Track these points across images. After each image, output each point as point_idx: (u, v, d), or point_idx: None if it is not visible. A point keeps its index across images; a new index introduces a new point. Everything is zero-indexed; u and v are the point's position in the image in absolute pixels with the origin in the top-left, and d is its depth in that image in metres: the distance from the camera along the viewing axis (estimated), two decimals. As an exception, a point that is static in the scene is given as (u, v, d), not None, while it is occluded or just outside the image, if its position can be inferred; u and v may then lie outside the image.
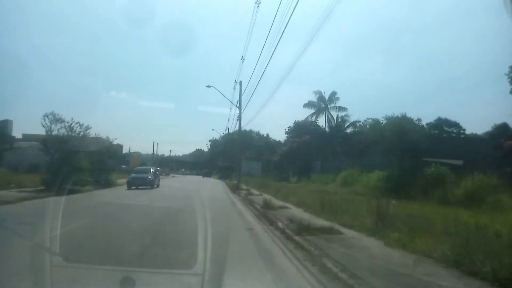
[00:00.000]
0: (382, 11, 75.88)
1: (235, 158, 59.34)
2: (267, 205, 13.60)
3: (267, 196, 19.23)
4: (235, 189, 26.55)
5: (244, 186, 28.82)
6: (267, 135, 63.08)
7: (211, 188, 28.18)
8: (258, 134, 63.38)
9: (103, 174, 25.94)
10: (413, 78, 69.30)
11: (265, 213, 12.09)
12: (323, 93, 47.02)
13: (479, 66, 61.71)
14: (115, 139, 27.61)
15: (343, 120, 45.07)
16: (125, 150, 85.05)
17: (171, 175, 71.03)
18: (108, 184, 26.23)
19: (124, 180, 32.64)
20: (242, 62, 26.19)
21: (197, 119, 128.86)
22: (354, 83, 74.92)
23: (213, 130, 61.29)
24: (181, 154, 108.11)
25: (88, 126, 22.12)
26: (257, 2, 17.70)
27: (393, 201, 17.98)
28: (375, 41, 79.07)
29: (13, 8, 71.56)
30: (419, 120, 44.24)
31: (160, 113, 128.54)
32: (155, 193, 22.10)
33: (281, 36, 20.10)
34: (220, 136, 65.92)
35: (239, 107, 29.71)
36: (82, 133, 21.65)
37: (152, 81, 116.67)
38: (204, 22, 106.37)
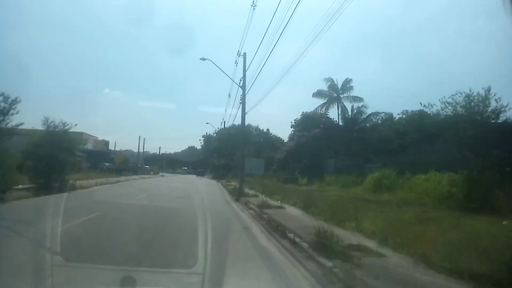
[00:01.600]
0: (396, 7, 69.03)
1: (232, 155, 51.79)
2: (324, 243, 6.16)
3: (298, 212, 11.79)
4: (238, 195, 19.07)
5: (249, 190, 21.33)
6: (267, 130, 55.67)
7: (205, 193, 20.46)
8: (257, 129, 55.85)
9: (54, 174, 18.19)
10: (417, 76, 62.62)
11: (350, 279, 4.61)
12: (335, 81, 39.71)
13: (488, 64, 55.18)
14: (75, 125, 19.72)
15: (360, 112, 37.77)
16: (114, 147, 77.87)
17: (160, 174, 63.12)
18: (63, 187, 18.39)
19: (94, 182, 25.04)
20: (253, 9, 18.44)
21: (191, 117, 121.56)
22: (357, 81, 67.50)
23: (207, 123, 53.97)
24: (172, 151, 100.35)
25: (17, 98, 14.28)
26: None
27: (504, 222, 10.81)
28: (385, 37, 72.18)
29: (10, 6, 64.98)
30: (438, 115, 37.41)
31: (154, 111, 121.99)
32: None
33: (286, 24, 13.62)
34: (215, 131, 58.24)
35: (243, 86, 22.18)
36: (7, 110, 13.82)
37: (147, 79, 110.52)
38: (200, 20, 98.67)
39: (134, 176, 42.00)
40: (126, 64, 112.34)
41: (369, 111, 37.53)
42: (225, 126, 51.20)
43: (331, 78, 39.69)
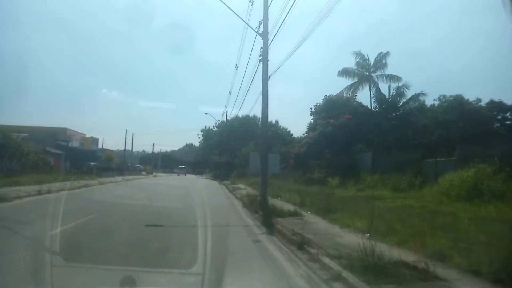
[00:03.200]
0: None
1: (235, 151, 43.07)
2: None
3: None
4: (262, 211, 10.19)
5: (276, 200, 12.53)
6: (276, 122, 46.71)
7: (206, 207, 11.20)
8: (264, 121, 47.11)
9: None
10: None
11: None
12: (366, 56, 30.99)
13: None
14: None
15: (399, 94, 29.01)
16: (102, 145, 68.95)
17: (153, 174, 54.20)
18: None
19: (39, 188, 16.35)
20: None
21: (189, 116, 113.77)
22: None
23: (206, 114, 43.70)
24: (169, 150, 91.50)
25: None
26: None
27: None
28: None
29: (7, 6, 61.58)
30: (478, 100, 29.12)
31: (152, 110, 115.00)
32: None
33: None
34: (215, 124, 49.31)
35: (264, 33, 13.29)
36: None
37: (144, 79, 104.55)
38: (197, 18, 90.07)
39: (117, 178, 33.10)
40: (122, 64, 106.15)
41: (409, 93, 28.91)
42: (227, 118, 42.40)
43: (361, 53, 31.02)
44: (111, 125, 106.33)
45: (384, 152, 27.39)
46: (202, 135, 53.78)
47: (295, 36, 19.60)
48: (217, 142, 46.22)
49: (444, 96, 29.08)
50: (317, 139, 28.51)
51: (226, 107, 40.44)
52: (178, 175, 55.17)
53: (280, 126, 46.91)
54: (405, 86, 29.01)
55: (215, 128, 50.30)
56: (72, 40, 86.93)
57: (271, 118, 47.23)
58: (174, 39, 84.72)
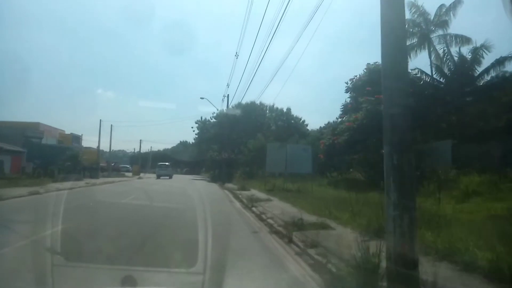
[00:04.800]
0: None
1: (239, 145, 33.94)
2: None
3: None
4: None
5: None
6: (289, 110, 37.55)
7: None
8: (273, 109, 37.86)
9: None
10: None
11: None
12: (423, 9, 22.10)
13: None
14: None
15: (476, 59, 20.13)
16: (80, 142, 59.65)
17: (139, 175, 44.92)
18: None
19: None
20: None
21: (184, 113, 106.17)
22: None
23: (202, 98, 33.22)
24: (162, 148, 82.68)
25: None
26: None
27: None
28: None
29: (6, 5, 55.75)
30: None
31: (148, 110, 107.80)
32: None
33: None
34: (213, 114, 40.10)
35: None
36: None
37: (141, 79, 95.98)
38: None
39: (79, 183, 23.83)
40: (115, 61, 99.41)
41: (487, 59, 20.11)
42: (228, 104, 33.16)
43: (416, 3, 22.12)
44: (103, 122, 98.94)
45: (456, 140, 18.61)
46: (198, 127, 44.47)
47: None
48: (216, 135, 37.01)
49: (505, 72, 20.81)
50: (364, 122, 19.46)
51: (228, 86, 31.27)
52: (157, 177, 37.37)
53: (293, 115, 37.80)
54: (485, 47, 20.10)
55: (213, 120, 41.12)
56: (67, 38, 79.63)
57: (281, 104, 38.20)
58: (170, 36, 77.61)
